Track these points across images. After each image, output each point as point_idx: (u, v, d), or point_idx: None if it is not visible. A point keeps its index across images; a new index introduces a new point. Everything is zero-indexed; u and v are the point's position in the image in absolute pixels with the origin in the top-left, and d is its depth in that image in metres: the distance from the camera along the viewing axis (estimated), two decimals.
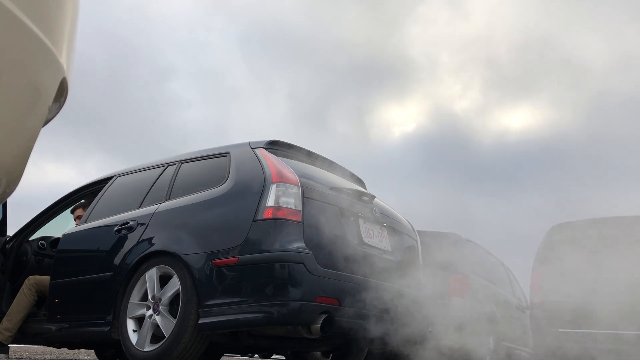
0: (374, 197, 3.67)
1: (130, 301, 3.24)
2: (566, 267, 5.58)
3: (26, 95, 1.02)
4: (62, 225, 4.74)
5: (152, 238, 3.33)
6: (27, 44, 0.97)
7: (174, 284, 3.07)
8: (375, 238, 3.51)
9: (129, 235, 3.49)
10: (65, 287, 3.76)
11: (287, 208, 2.97)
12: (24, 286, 4.09)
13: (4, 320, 3.98)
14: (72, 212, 4.71)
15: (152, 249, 3.26)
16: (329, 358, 4.39)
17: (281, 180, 3.04)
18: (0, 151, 1.00)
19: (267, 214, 2.94)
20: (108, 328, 3.33)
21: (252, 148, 3.39)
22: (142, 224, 3.46)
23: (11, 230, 4.52)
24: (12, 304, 4.04)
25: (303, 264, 2.84)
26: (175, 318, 2.99)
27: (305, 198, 3.05)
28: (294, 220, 2.96)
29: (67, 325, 3.66)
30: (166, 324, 3.03)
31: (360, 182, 4.18)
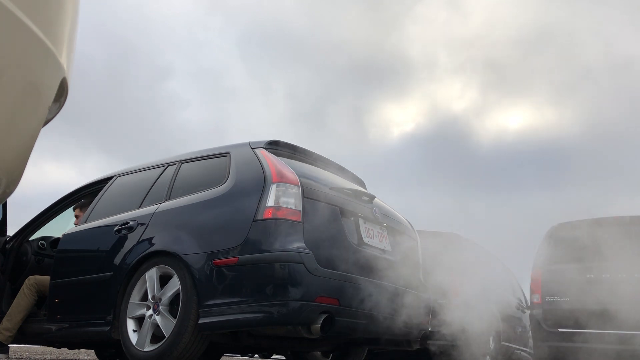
0: (374, 197, 3.67)
1: (130, 301, 3.24)
2: (566, 267, 5.58)
3: (26, 95, 1.02)
4: (62, 225, 4.75)
5: (152, 238, 3.33)
6: (27, 44, 0.97)
7: (174, 284, 3.07)
8: (375, 238, 3.51)
9: (129, 235, 3.49)
10: (66, 287, 3.76)
11: (287, 208, 2.97)
12: (24, 286, 4.09)
13: (4, 320, 3.98)
14: (74, 209, 4.72)
15: (152, 249, 3.26)
16: (329, 358, 4.39)
17: (281, 180, 3.04)
18: (0, 151, 1.00)
19: (267, 214, 2.94)
20: (108, 328, 3.33)
21: (252, 148, 3.39)
22: (142, 224, 3.46)
23: (11, 230, 4.53)
24: (12, 304, 4.04)
25: (303, 264, 2.84)
26: (175, 318, 2.99)
27: (305, 198, 3.06)
28: (294, 220, 2.96)
29: (67, 325, 3.66)
30: (166, 324, 3.03)
31: (360, 182, 4.18)
